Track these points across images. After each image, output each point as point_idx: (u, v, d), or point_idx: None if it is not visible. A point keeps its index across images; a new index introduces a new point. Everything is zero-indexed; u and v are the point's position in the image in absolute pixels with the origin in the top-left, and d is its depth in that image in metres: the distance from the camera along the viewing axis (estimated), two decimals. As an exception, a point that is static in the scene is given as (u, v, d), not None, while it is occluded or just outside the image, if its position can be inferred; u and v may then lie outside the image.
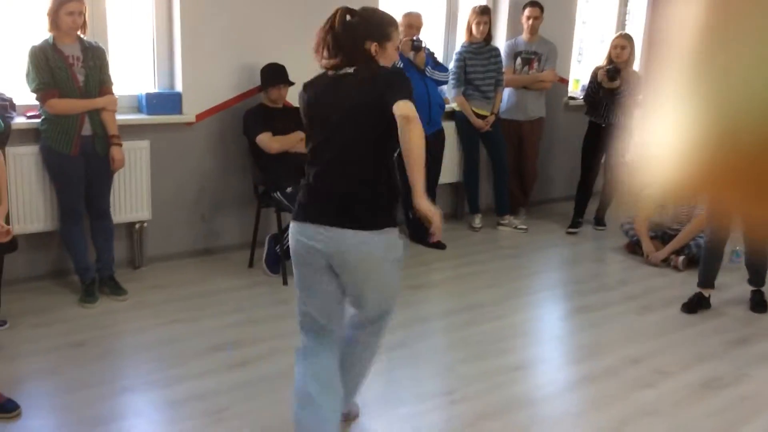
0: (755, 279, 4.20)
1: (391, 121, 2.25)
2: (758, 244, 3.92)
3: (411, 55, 4.97)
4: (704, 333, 3.86)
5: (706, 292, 4.16)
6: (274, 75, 4.37)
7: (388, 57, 2.48)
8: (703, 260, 4.19)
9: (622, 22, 6.70)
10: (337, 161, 2.37)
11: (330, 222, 2.34)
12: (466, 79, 5.36)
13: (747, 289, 4.36)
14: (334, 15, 2.45)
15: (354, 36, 2.41)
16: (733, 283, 4.45)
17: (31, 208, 3.93)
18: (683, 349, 3.64)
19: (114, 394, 2.99)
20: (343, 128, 2.36)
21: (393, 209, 2.42)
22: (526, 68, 5.65)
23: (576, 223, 5.73)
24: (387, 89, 2.29)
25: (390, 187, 2.41)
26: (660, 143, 0.47)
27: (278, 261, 4.36)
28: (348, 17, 2.44)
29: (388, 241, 2.38)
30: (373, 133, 2.34)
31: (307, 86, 2.51)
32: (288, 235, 4.23)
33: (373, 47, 2.42)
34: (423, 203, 2.27)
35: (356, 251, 2.34)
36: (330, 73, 2.44)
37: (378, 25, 2.47)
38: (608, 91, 5.37)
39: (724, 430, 2.91)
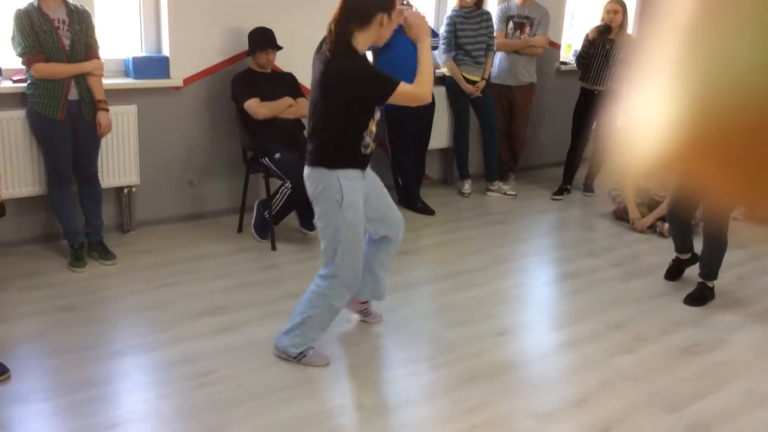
0: (706, 271, 3.88)
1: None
2: (716, 230, 3.74)
3: (401, 20, 4.92)
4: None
5: (683, 256, 4.18)
6: (262, 39, 4.33)
7: (392, 26, 2.81)
8: (672, 232, 4.16)
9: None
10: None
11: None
12: (456, 44, 5.33)
13: (731, 257, 4.40)
14: None
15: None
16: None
17: (18, 173, 3.94)
18: (664, 315, 3.70)
19: (102, 358, 3.04)
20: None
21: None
22: (517, 33, 5.61)
23: (562, 189, 5.76)
24: (363, 89, 2.78)
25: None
26: (647, 111, 0.48)
27: (267, 226, 4.39)
28: None
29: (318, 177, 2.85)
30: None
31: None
32: (277, 200, 4.28)
33: (381, 17, 2.73)
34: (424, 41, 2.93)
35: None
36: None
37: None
38: (600, 53, 5.36)
39: (700, 395, 2.97)
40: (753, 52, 0.42)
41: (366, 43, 2.79)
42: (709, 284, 3.87)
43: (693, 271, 4.04)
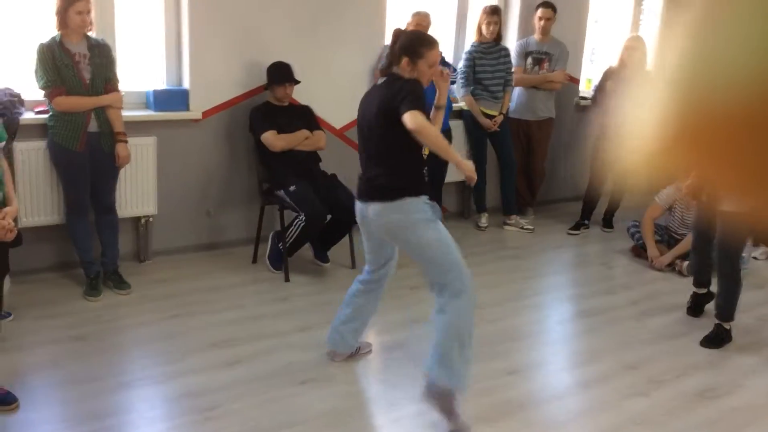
0: (722, 312, 3.78)
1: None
2: (730, 268, 3.70)
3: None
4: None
5: (700, 290, 4.13)
6: (280, 73, 4.40)
7: (421, 73, 2.88)
8: (691, 264, 4.16)
9: (636, 22, 6.64)
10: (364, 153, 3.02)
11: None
12: (474, 78, 5.36)
13: (749, 299, 4.33)
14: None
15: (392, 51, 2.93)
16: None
17: (38, 202, 4.01)
18: (680, 357, 3.63)
19: (111, 390, 3.05)
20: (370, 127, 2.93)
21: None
22: (536, 68, 5.63)
23: (579, 224, 5.71)
24: (395, 96, 2.77)
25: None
26: (645, 104, 0.50)
27: (281, 258, 4.40)
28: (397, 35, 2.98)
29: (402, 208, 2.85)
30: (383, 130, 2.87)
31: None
32: (291, 232, 4.29)
33: (404, 62, 2.87)
34: (452, 155, 2.90)
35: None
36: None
37: (411, 43, 2.90)
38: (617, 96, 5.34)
39: (714, 442, 2.90)
40: (750, 46, 0.43)
41: None
42: (726, 326, 3.79)
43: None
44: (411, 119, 2.70)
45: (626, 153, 0.54)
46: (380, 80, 2.98)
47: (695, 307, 4.14)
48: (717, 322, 3.80)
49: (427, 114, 2.83)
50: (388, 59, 3.00)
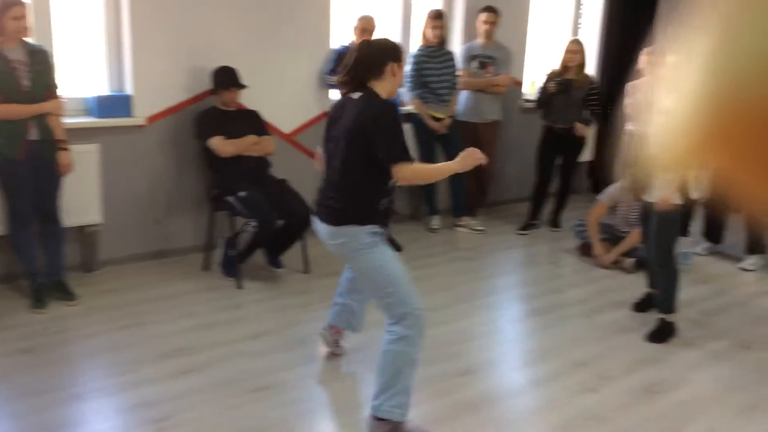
0: (662, 305, 3.90)
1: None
2: (663, 260, 3.82)
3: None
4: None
5: (654, 292, 4.26)
6: (226, 78, 4.36)
7: (399, 79, 2.87)
8: (647, 261, 4.28)
9: (576, 26, 6.79)
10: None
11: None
12: (421, 82, 5.40)
13: (694, 293, 4.49)
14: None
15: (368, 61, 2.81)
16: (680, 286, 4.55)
17: (-23, 213, 3.88)
18: (628, 353, 3.73)
19: (62, 402, 2.98)
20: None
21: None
22: (482, 71, 5.70)
23: (528, 225, 5.82)
24: (376, 134, 2.68)
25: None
26: (675, 102, 0.51)
27: (233, 264, 4.36)
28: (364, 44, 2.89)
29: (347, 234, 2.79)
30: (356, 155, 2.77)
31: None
32: (242, 238, 4.25)
33: (392, 68, 2.80)
34: (459, 167, 2.81)
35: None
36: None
37: (395, 48, 2.86)
38: (559, 97, 5.47)
39: (661, 434, 2.99)
40: None
41: (383, 94, 2.81)
42: (668, 319, 3.90)
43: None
44: (401, 176, 2.71)
45: (657, 153, 0.55)
46: (355, 94, 2.81)
47: (642, 304, 4.25)
48: (659, 317, 3.91)
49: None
50: (356, 70, 2.81)
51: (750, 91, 0.45)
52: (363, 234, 2.78)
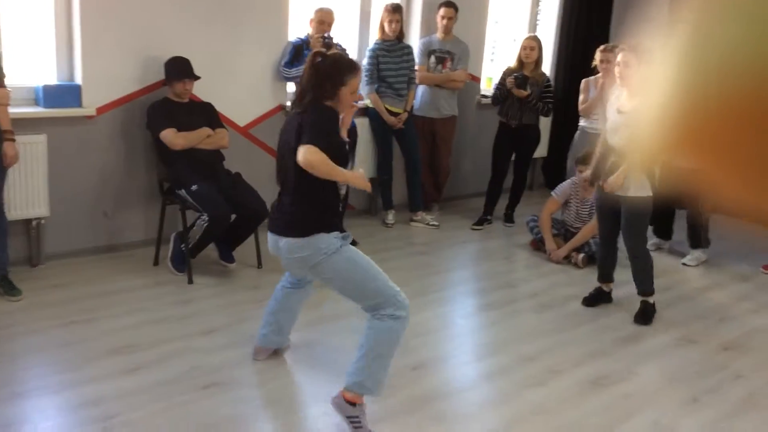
0: (642, 287, 4.16)
1: None
2: (635, 246, 4.06)
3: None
4: (597, 330, 4.02)
5: (606, 287, 4.36)
6: (179, 68, 4.29)
7: (343, 100, 2.85)
8: (599, 254, 4.39)
9: (533, 23, 6.86)
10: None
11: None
12: (379, 76, 5.39)
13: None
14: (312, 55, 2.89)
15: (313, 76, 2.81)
16: (629, 280, 4.63)
17: None
18: (576, 347, 3.79)
19: (3, 400, 2.90)
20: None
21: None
22: (439, 67, 5.72)
23: (482, 220, 5.87)
24: (311, 123, 2.72)
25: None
26: (653, 101, 0.52)
27: (184, 259, 4.30)
28: (317, 59, 2.85)
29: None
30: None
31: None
32: (193, 232, 4.20)
33: (327, 87, 2.81)
34: (346, 178, 2.84)
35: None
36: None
37: (335, 68, 2.83)
38: (516, 95, 5.52)
39: (607, 428, 3.05)
40: (748, 44, 0.44)
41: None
42: (650, 300, 4.16)
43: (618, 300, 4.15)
44: (300, 154, 2.68)
45: (636, 150, 0.57)
46: (297, 109, 2.86)
47: (592, 299, 4.33)
48: (641, 299, 4.16)
49: (337, 141, 2.80)
50: (306, 84, 2.84)
51: (722, 89, 0.46)
52: (330, 239, 2.79)
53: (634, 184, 3.93)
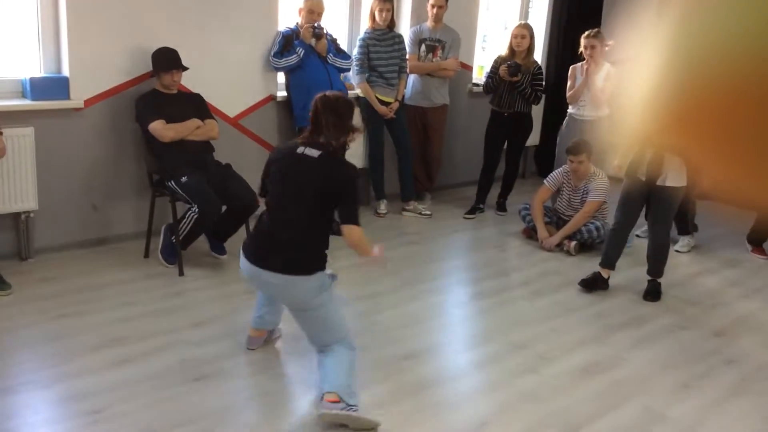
0: (655, 269, 4.32)
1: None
2: (660, 235, 4.24)
3: (312, 42, 4.93)
4: (589, 317, 4.02)
5: (605, 273, 4.36)
6: (167, 59, 4.25)
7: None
8: (609, 240, 4.40)
9: (525, 10, 6.82)
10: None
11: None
12: (369, 65, 5.37)
13: (633, 275, 4.58)
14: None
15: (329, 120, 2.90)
16: (621, 268, 4.64)
17: None
18: (568, 334, 3.79)
19: (-10, 396, 2.89)
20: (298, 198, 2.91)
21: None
22: (430, 55, 5.69)
23: (474, 209, 5.85)
24: (341, 194, 2.86)
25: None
26: (640, 86, 0.52)
27: (174, 251, 4.28)
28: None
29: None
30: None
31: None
32: (184, 224, 4.18)
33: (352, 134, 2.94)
34: (371, 256, 3.02)
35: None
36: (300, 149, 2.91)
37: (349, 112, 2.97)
38: (508, 83, 5.49)
39: (598, 415, 3.05)
40: (735, 29, 0.44)
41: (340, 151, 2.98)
42: (659, 280, 4.33)
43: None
44: (349, 235, 2.87)
45: (629, 142, 0.58)
46: (314, 152, 2.87)
47: (591, 283, 4.33)
48: (650, 279, 4.34)
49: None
50: (318, 126, 2.91)
51: (712, 73, 0.46)
52: (325, 277, 2.92)
53: (672, 174, 4.08)
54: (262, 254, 2.89)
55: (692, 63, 0.47)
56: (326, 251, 2.95)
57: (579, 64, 5.43)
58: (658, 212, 4.25)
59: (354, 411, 2.76)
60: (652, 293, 4.30)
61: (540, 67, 5.70)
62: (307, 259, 2.87)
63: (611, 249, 4.37)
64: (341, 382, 2.81)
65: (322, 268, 2.90)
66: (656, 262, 4.30)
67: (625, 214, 4.32)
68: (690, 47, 0.47)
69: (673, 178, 4.10)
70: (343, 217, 2.89)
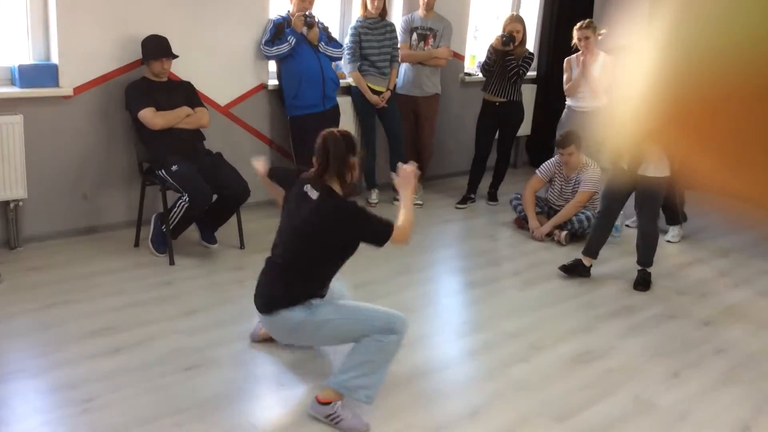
0: (644, 259, 4.32)
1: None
2: (649, 224, 4.25)
3: (304, 30, 4.90)
4: (580, 307, 4.04)
5: (587, 261, 4.37)
6: (156, 47, 4.22)
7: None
8: (593, 229, 4.41)
9: (517, 1, 6.80)
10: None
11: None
12: (361, 54, 5.34)
13: (623, 264, 4.60)
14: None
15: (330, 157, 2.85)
16: (610, 258, 4.66)
17: None
18: (559, 323, 3.80)
19: (-21, 385, 2.87)
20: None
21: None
22: (421, 44, 5.67)
23: (466, 198, 5.85)
24: (361, 231, 2.83)
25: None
26: (635, 82, 0.52)
27: (165, 240, 4.26)
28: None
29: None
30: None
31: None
32: (174, 213, 4.16)
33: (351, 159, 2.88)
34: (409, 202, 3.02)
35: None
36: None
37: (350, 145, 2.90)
38: (500, 66, 5.48)
39: (589, 403, 3.06)
40: (734, 27, 0.44)
41: (340, 191, 2.90)
42: (648, 270, 4.33)
43: (592, 273, 4.17)
44: (398, 241, 2.83)
45: (617, 134, 0.57)
46: (314, 193, 2.86)
47: (570, 269, 4.35)
48: (640, 269, 4.34)
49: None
50: (323, 164, 2.86)
51: (707, 72, 0.46)
52: (309, 303, 2.83)
53: (654, 164, 4.08)
54: (255, 299, 2.95)
55: (686, 55, 0.47)
56: (317, 290, 2.88)
57: (573, 56, 5.43)
58: (643, 202, 4.27)
59: (338, 421, 2.74)
60: (642, 283, 4.31)
61: (532, 54, 5.70)
62: (285, 297, 2.82)
63: (594, 238, 4.39)
64: (343, 376, 2.77)
65: (306, 299, 2.82)
66: (645, 251, 4.31)
67: (608, 203, 4.33)
68: (684, 38, 0.47)
69: (655, 168, 4.11)
70: (377, 243, 2.84)
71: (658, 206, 4.38)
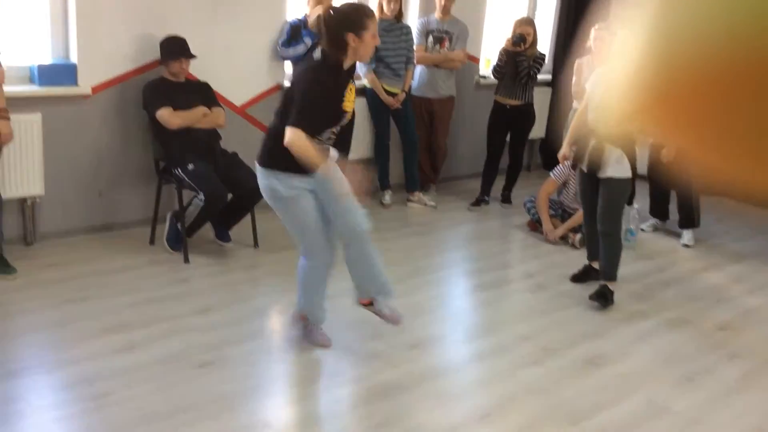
0: (604, 270, 4.05)
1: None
2: (610, 229, 3.99)
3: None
4: (592, 310, 4.02)
5: (595, 264, 4.35)
6: (174, 48, 4.25)
7: (367, 45, 2.91)
8: (585, 234, 4.38)
9: (533, 3, 6.79)
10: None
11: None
12: (376, 56, 5.35)
13: (637, 268, 4.58)
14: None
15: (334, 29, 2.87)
16: (624, 261, 4.61)
17: None
18: (571, 327, 3.79)
19: (-3, 379, 2.90)
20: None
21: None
22: (437, 47, 5.68)
23: (479, 200, 5.85)
24: (295, 95, 2.88)
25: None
26: (622, 63, 0.52)
27: (180, 238, 4.29)
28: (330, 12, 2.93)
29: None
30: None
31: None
32: (190, 211, 4.18)
33: (351, 38, 2.85)
34: (324, 170, 2.89)
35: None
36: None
37: (353, 16, 2.88)
38: (513, 65, 5.46)
39: (602, 407, 3.05)
40: (717, 9, 0.45)
41: (348, 61, 2.95)
42: (610, 286, 4.02)
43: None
44: (288, 135, 2.83)
45: (606, 115, 0.58)
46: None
47: (581, 276, 4.34)
48: (602, 282, 4.04)
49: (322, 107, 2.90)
50: (324, 41, 2.93)
51: (692, 56, 0.46)
52: (288, 180, 2.98)
53: (612, 165, 3.89)
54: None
55: (670, 39, 0.48)
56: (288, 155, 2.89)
57: (584, 58, 5.41)
58: (602, 204, 3.96)
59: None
60: (601, 297, 3.99)
61: (543, 55, 5.69)
62: (264, 153, 3.04)
63: (588, 240, 4.33)
64: (300, 301, 3.28)
65: (275, 167, 2.97)
66: (607, 260, 3.99)
67: (585, 204, 4.21)
68: (670, 27, 0.48)
69: (615, 169, 3.89)
70: (289, 120, 2.84)
71: (619, 210, 4.01)
